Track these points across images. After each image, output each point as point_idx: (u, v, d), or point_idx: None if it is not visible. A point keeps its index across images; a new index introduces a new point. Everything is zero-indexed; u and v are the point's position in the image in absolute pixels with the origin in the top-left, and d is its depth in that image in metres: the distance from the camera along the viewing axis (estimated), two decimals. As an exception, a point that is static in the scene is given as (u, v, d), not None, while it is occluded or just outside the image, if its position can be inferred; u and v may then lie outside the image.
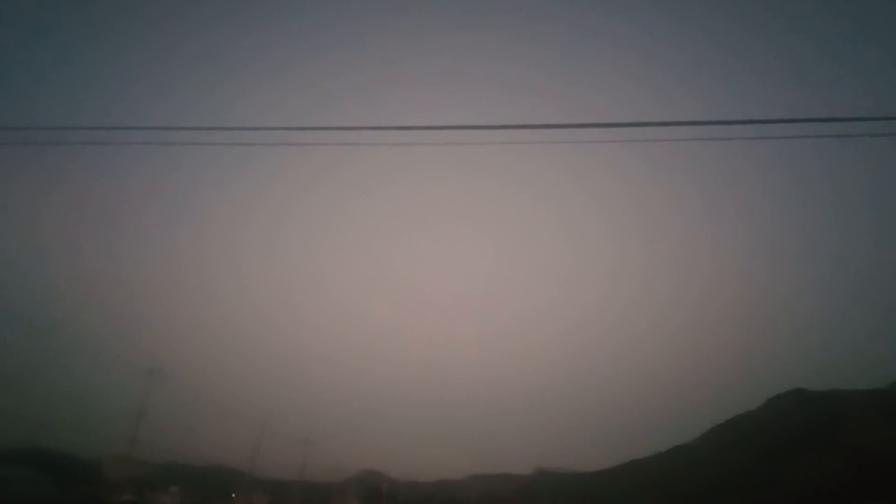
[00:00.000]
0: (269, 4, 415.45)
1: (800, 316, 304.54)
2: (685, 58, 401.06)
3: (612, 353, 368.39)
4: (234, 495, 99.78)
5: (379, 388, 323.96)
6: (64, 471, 67.44)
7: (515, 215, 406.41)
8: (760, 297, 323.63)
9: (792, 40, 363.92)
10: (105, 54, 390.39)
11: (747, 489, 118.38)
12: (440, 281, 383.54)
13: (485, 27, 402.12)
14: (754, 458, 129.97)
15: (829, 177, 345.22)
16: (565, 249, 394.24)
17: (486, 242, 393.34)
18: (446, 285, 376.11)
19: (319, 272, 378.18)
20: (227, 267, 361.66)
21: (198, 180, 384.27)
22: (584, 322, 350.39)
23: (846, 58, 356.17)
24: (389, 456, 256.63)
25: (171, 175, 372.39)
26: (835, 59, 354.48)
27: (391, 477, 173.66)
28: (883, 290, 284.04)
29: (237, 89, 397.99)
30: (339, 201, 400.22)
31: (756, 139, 15.13)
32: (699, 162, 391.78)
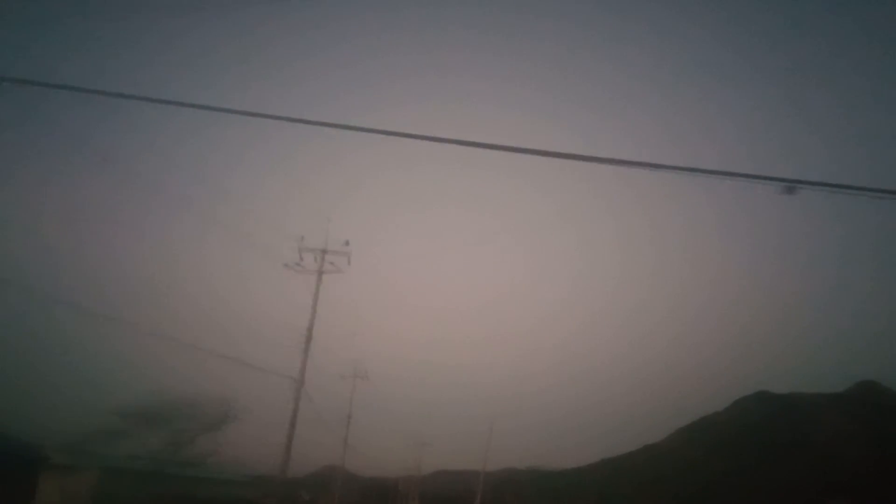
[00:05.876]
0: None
1: (765, 321, 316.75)
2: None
3: (582, 354, 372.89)
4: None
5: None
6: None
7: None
8: (729, 304, 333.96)
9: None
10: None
11: (716, 485, 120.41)
12: (434, 284, 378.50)
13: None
14: (721, 457, 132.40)
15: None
16: (554, 266, 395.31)
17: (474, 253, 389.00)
18: (440, 290, 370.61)
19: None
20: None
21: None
22: (563, 330, 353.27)
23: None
24: (349, 452, 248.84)
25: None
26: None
27: (352, 472, 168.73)
28: (845, 296, 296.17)
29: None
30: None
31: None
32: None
